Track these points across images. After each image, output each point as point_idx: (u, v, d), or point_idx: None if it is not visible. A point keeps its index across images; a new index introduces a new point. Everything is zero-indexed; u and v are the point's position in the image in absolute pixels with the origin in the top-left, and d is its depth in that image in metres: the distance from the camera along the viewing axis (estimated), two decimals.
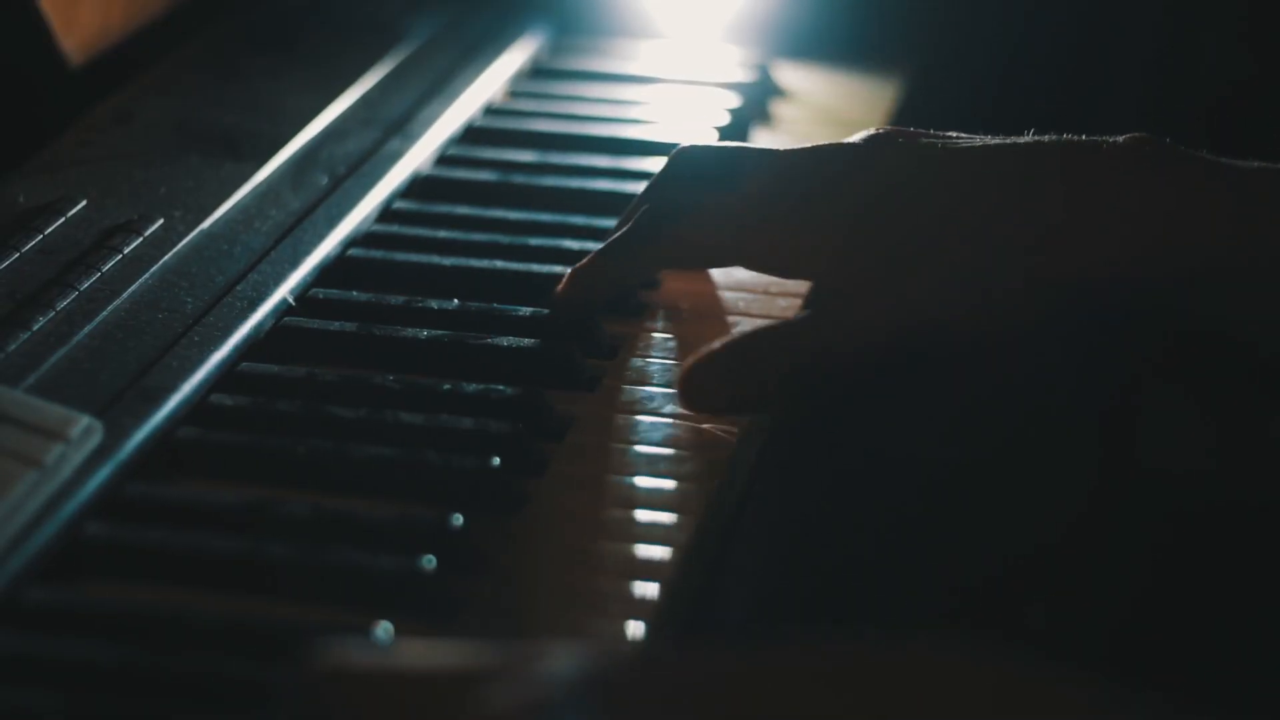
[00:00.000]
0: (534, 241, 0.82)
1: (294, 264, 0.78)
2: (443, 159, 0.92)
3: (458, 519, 0.63)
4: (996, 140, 0.70)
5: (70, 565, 0.61)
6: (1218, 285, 0.66)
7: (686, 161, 0.76)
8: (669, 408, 0.72)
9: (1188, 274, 0.66)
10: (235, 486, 0.65)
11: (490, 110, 0.98)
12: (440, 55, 1.00)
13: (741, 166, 0.74)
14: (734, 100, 0.99)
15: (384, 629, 0.57)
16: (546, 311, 0.76)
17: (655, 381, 0.74)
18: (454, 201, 0.87)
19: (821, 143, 0.74)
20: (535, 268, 0.80)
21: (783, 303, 0.79)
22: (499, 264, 0.80)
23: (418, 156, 0.90)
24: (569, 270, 0.76)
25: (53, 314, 0.71)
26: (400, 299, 0.77)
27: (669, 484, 0.67)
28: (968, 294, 0.67)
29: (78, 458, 0.63)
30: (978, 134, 0.73)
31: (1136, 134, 0.69)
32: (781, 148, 0.74)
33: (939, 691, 0.46)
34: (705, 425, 0.71)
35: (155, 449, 0.66)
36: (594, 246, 0.82)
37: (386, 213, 0.86)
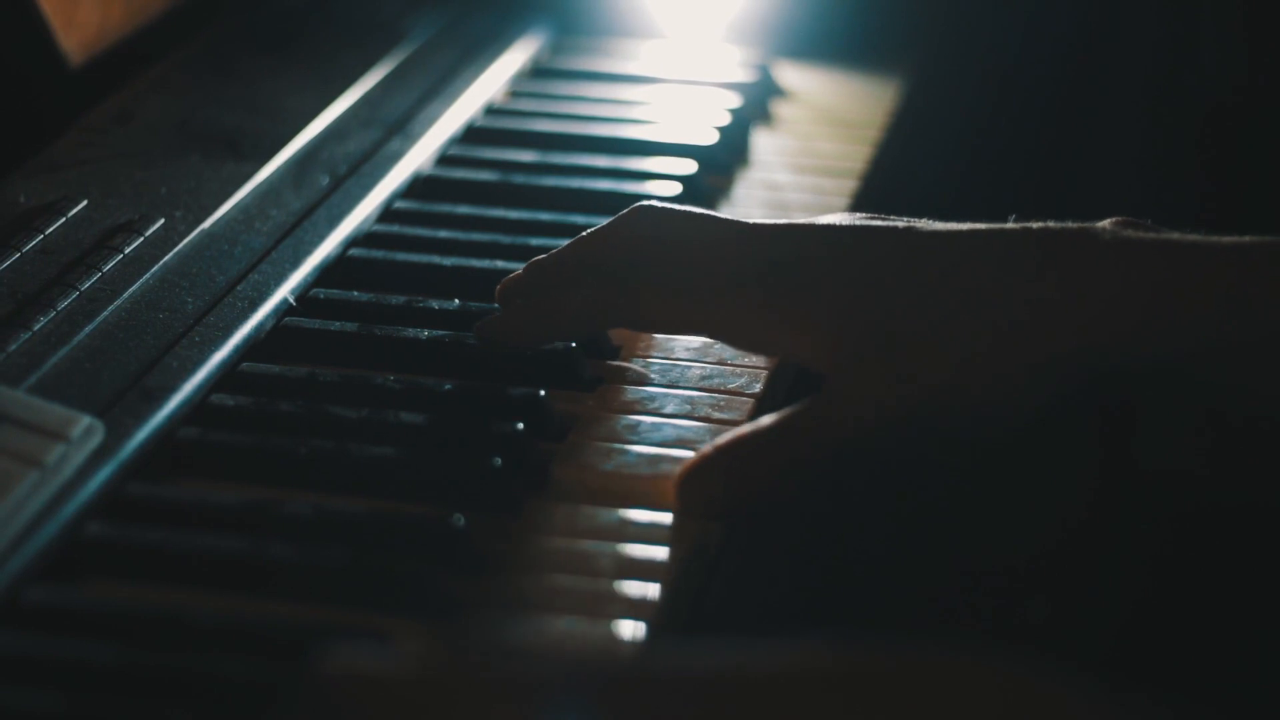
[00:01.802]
0: (534, 241, 0.82)
1: (295, 264, 0.78)
2: (443, 159, 0.92)
3: (458, 519, 0.63)
4: (979, 226, 0.68)
5: (71, 565, 0.61)
6: (1212, 361, 0.65)
7: (645, 221, 0.71)
8: (669, 408, 0.72)
9: (1178, 352, 0.65)
10: (236, 486, 0.65)
11: (491, 110, 0.98)
12: (441, 55, 1.01)
13: (703, 235, 0.70)
14: (734, 100, 0.99)
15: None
16: None
17: (655, 382, 0.74)
18: (455, 201, 0.87)
19: (794, 220, 0.71)
20: None
21: None
22: (500, 264, 0.80)
23: (418, 156, 0.90)
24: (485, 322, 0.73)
25: (54, 314, 0.71)
26: (401, 299, 0.77)
27: (668, 484, 0.67)
28: (964, 379, 0.65)
29: (79, 458, 0.63)
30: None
31: (1119, 217, 0.68)
32: (747, 220, 0.71)
33: (943, 698, 0.46)
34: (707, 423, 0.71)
35: (156, 449, 0.66)
36: None
37: (387, 212, 0.86)
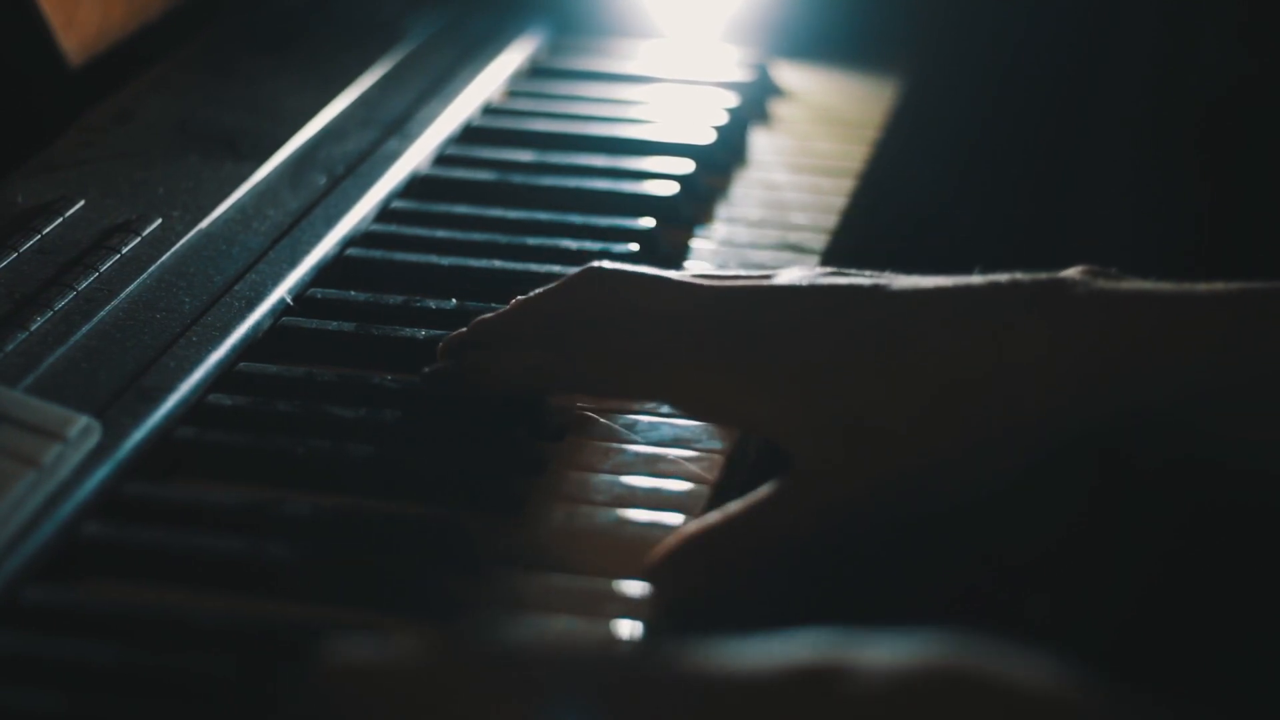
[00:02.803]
0: (532, 241, 0.82)
1: (292, 264, 0.78)
2: (441, 159, 0.92)
3: (457, 519, 0.63)
4: (946, 283, 0.65)
5: (68, 565, 0.61)
6: (1192, 410, 0.64)
7: (595, 286, 0.69)
8: (667, 407, 0.72)
9: (1159, 403, 0.63)
10: (234, 486, 0.65)
11: (489, 110, 0.98)
12: (439, 55, 1.01)
13: (657, 300, 0.67)
14: (732, 100, 0.99)
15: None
16: None
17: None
18: (452, 201, 0.87)
19: (741, 278, 0.67)
20: (533, 267, 0.80)
21: None
22: (497, 263, 0.80)
23: (416, 156, 0.90)
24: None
25: (51, 314, 0.71)
26: (399, 299, 0.77)
27: (668, 484, 0.67)
28: (938, 453, 0.63)
29: (76, 458, 0.63)
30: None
31: (1084, 266, 0.65)
32: (704, 280, 0.68)
33: (944, 703, 0.46)
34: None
35: (153, 449, 0.66)
36: (591, 245, 0.82)
37: (385, 212, 0.86)
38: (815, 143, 0.99)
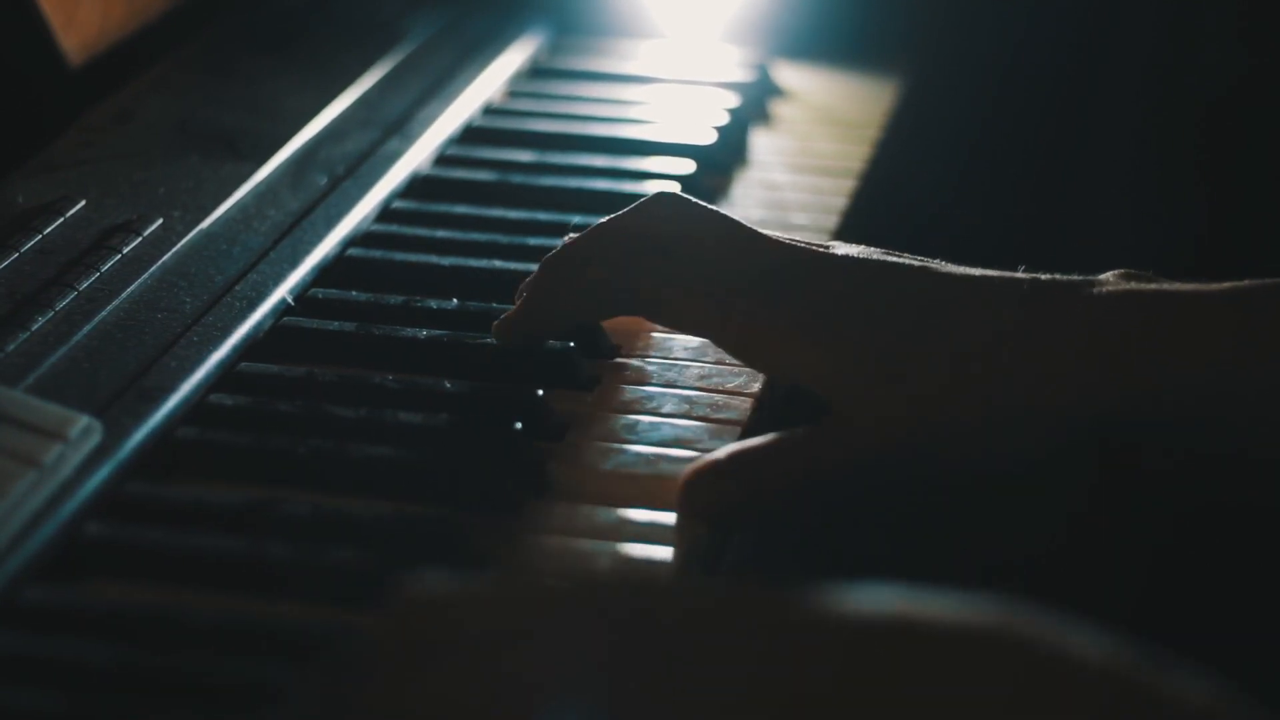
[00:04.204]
0: (533, 241, 0.82)
1: (293, 264, 0.78)
2: (441, 159, 0.92)
3: (456, 519, 0.63)
4: (990, 273, 0.69)
5: (70, 565, 0.61)
6: (1215, 408, 0.66)
7: (665, 210, 0.71)
8: (667, 407, 0.72)
9: (1182, 401, 0.66)
10: (234, 486, 0.65)
11: (489, 110, 0.98)
12: (439, 55, 1.01)
13: (723, 235, 0.70)
14: (733, 100, 0.99)
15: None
16: None
17: (654, 381, 0.74)
18: (453, 201, 0.87)
19: (810, 243, 0.70)
20: (533, 267, 0.79)
21: None
22: (498, 263, 0.80)
23: (416, 156, 0.90)
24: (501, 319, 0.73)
25: (52, 314, 0.71)
26: (399, 299, 0.77)
27: (668, 484, 0.67)
28: (967, 420, 0.66)
29: (77, 457, 0.63)
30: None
31: (1122, 270, 0.68)
32: (763, 231, 0.71)
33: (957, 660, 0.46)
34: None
35: (154, 449, 0.66)
36: None
37: (385, 212, 0.86)
38: (816, 143, 0.99)
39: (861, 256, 0.70)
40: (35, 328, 0.70)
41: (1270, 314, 0.66)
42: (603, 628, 0.48)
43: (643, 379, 0.74)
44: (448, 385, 0.71)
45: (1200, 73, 1.28)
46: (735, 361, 0.75)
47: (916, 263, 0.69)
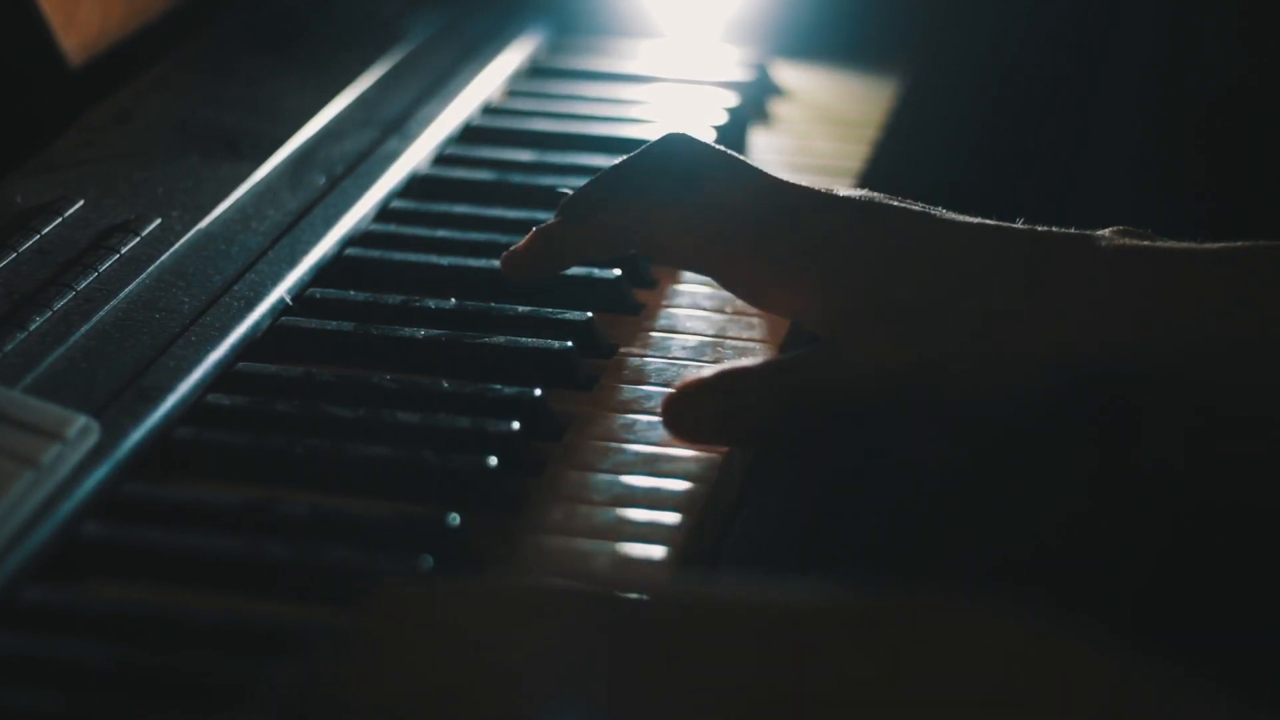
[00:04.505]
0: None
1: (291, 264, 0.78)
2: (441, 158, 0.92)
3: (455, 519, 0.63)
4: (989, 222, 0.70)
5: (68, 565, 0.61)
6: (1205, 364, 0.67)
7: (676, 148, 0.73)
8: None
9: (1170, 355, 0.67)
10: (233, 486, 0.65)
11: (488, 109, 0.98)
12: (438, 55, 1.01)
13: (730, 174, 0.72)
14: (732, 99, 0.99)
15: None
16: (544, 310, 0.77)
17: (653, 381, 0.74)
18: (452, 201, 0.87)
19: (818, 187, 0.72)
20: None
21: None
22: (497, 264, 0.80)
23: (415, 156, 0.90)
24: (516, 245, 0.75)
25: (50, 314, 0.71)
26: (398, 298, 0.77)
27: (667, 483, 0.67)
28: (956, 360, 0.67)
29: (75, 457, 0.63)
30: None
31: (1119, 226, 0.69)
32: (766, 172, 0.72)
33: (952, 639, 0.46)
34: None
35: (152, 449, 0.66)
36: None
37: (384, 212, 0.86)
38: (815, 142, 0.99)
39: (863, 198, 0.71)
40: (33, 327, 0.70)
41: (1263, 273, 0.67)
42: (600, 628, 0.48)
43: (642, 379, 0.74)
44: (446, 385, 0.71)
45: (1200, 73, 1.28)
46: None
47: (918, 207, 0.71)
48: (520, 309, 0.77)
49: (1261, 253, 0.67)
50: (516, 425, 0.68)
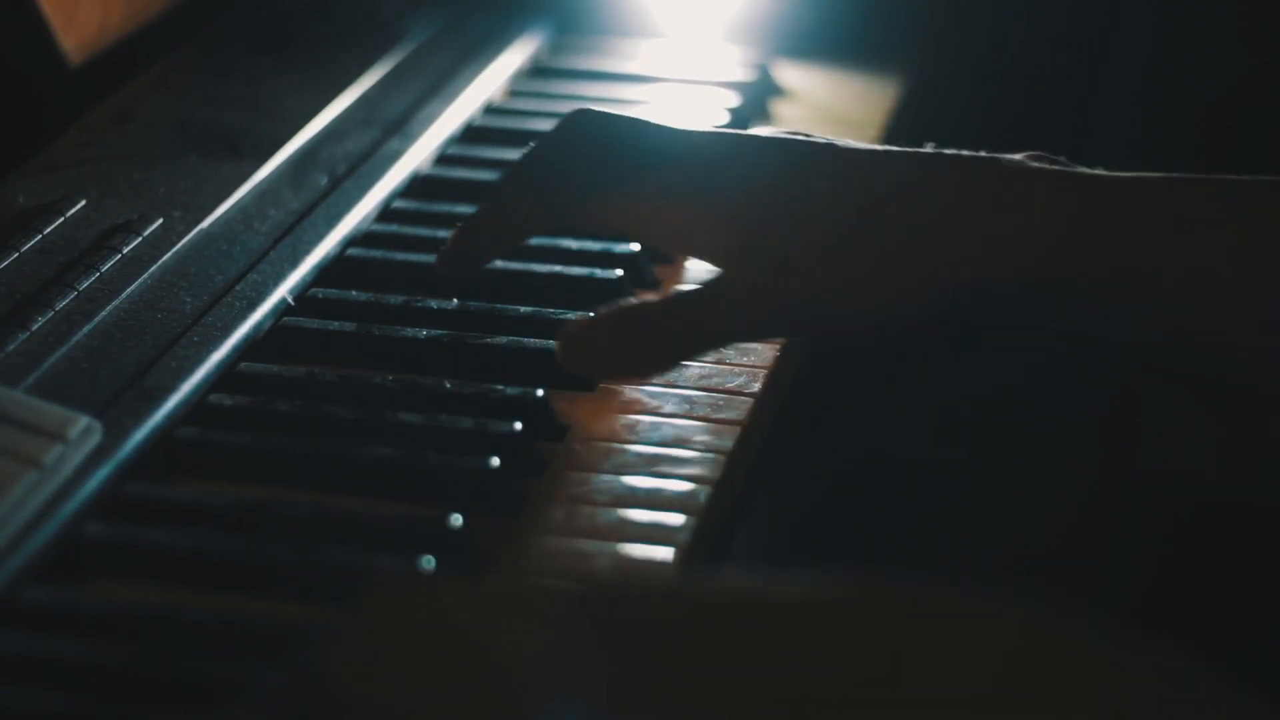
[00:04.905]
0: (533, 240, 0.82)
1: (293, 264, 0.78)
2: (442, 158, 0.92)
3: (457, 519, 0.63)
4: (894, 149, 0.72)
5: (70, 565, 0.61)
6: (1110, 289, 0.68)
7: (582, 123, 0.75)
8: (668, 407, 0.72)
9: (1074, 278, 0.68)
10: (235, 486, 0.65)
11: (490, 109, 0.98)
12: (440, 54, 1.01)
13: (634, 135, 0.74)
14: (734, 99, 0.99)
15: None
16: (546, 311, 0.77)
17: (654, 381, 0.74)
18: (454, 201, 0.87)
19: (724, 128, 0.75)
20: (535, 267, 0.80)
21: None
22: (498, 263, 0.80)
23: (417, 156, 0.90)
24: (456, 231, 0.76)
25: (52, 314, 0.71)
26: (399, 299, 0.77)
27: (668, 484, 0.67)
28: (855, 300, 0.69)
29: (77, 458, 0.63)
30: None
31: (1032, 152, 0.71)
32: (671, 124, 0.74)
33: (957, 631, 0.46)
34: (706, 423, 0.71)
35: (154, 449, 0.66)
36: (593, 245, 0.82)
37: (386, 212, 0.86)
38: None
39: (768, 135, 0.73)
40: (35, 328, 0.70)
41: (1176, 202, 0.68)
42: (601, 628, 0.48)
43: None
44: (448, 385, 0.71)
45: (1200, 73, 1.28)
46: (736, 361, 0.75)
47: (822, 140, 0.73)
48: (522, 309, 0.77)
49: (1173, 184, 0.68)
50: (519, 425, 0.68)
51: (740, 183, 0.71)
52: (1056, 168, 0.70)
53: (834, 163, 0.71)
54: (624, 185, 0.73)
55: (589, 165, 0.74)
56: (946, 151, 0.71)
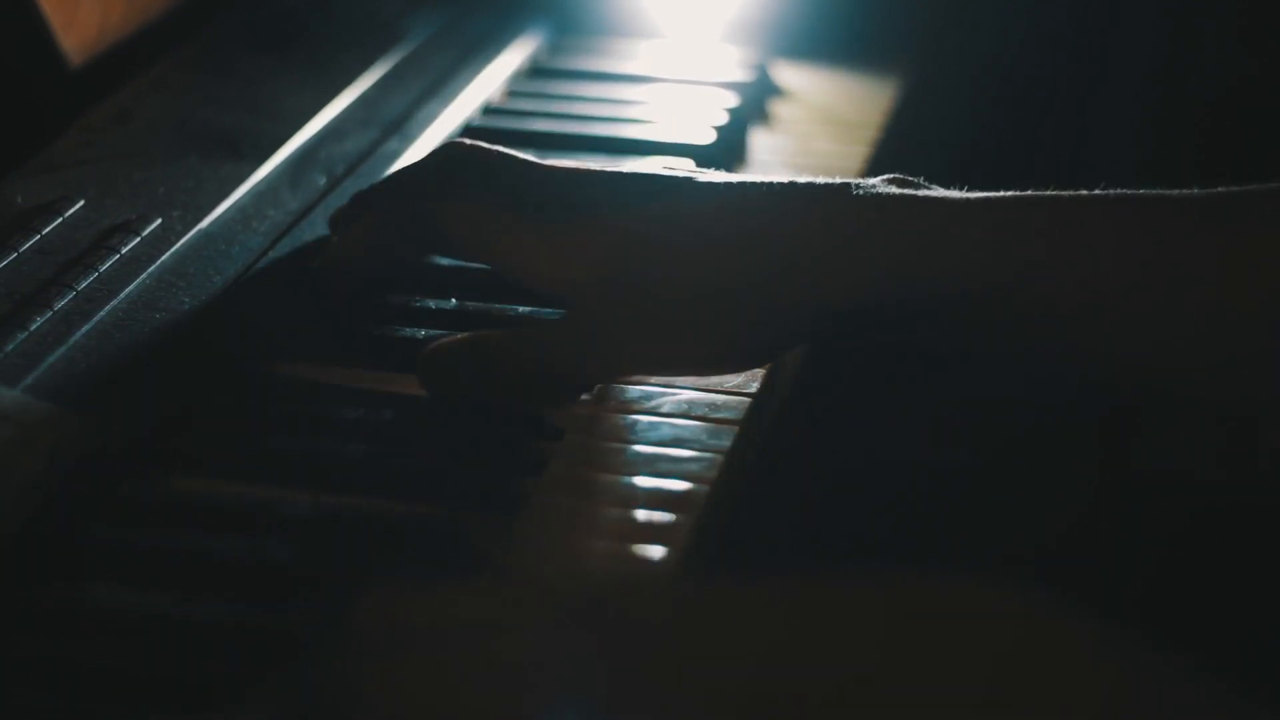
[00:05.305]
0: None
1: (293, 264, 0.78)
2: None
3: (456, 519, 0.63)
4: (747, 179, 0.72)
5: (70, 565, 0.61)
6: (963, 308, 0.68)
7: (453, 155, 0.76)
8: (666, 407, 0.72)
9: (939, 300, 0.67)
10: (235, 486, 0.65)
11: (489, 110, 0.98)
12: (439, 55, 1.01)
13: (501, 170, 0.75)
14: (732, 100, 0.99)
15: None
16: (545, 311, 0.77)
17: (653, 381, 0.74)
18: None
19: (588, 165, 0.75)
20: None
21: None
22: None
23: (416, 156, 0.90)
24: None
25: (51, 314, 0.71)
26: (399, 298, 0.77)
27: (668, 483, 0.67)
28: (695, 331, 0.69)
29: (77, 458, 0.63)
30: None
31: (890, 175, 0.71)
32: (549, 163, 0.75)
33: (958, 622, 0.46)
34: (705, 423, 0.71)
35: (154, 449, 0.66)
36: None
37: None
38: (815, 143, 1.00)
39: (629, 171, 0.74)
40: (34, 327, 0.70)
41: (1017, 222, 0.68)
42: (601, 627, 0.48)
43: (642, 379, 0.74)
44: None
45: (1200, 73, 1.28)
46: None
47: (681, 174, 0.73)
48: (521, 309, 0.77)
49: (1022, 203, 0.68)
50: (518, 425, 0.68)
51: (594, 216, 0.71)
52: (907, 192, 0.69)
53: (690, 196, 0.71)
54: (482, 218, 0.73)
55: (448, 190, 0.74)
56: (800, 180, 0.71)
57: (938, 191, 0.70)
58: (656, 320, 0.69)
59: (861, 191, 0.69)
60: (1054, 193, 0.68)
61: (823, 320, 0.68)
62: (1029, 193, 0.69)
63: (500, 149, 0.76)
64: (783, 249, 0.68)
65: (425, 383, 0.70)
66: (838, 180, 0.70)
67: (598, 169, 0.74)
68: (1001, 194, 0.69)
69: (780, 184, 0.71)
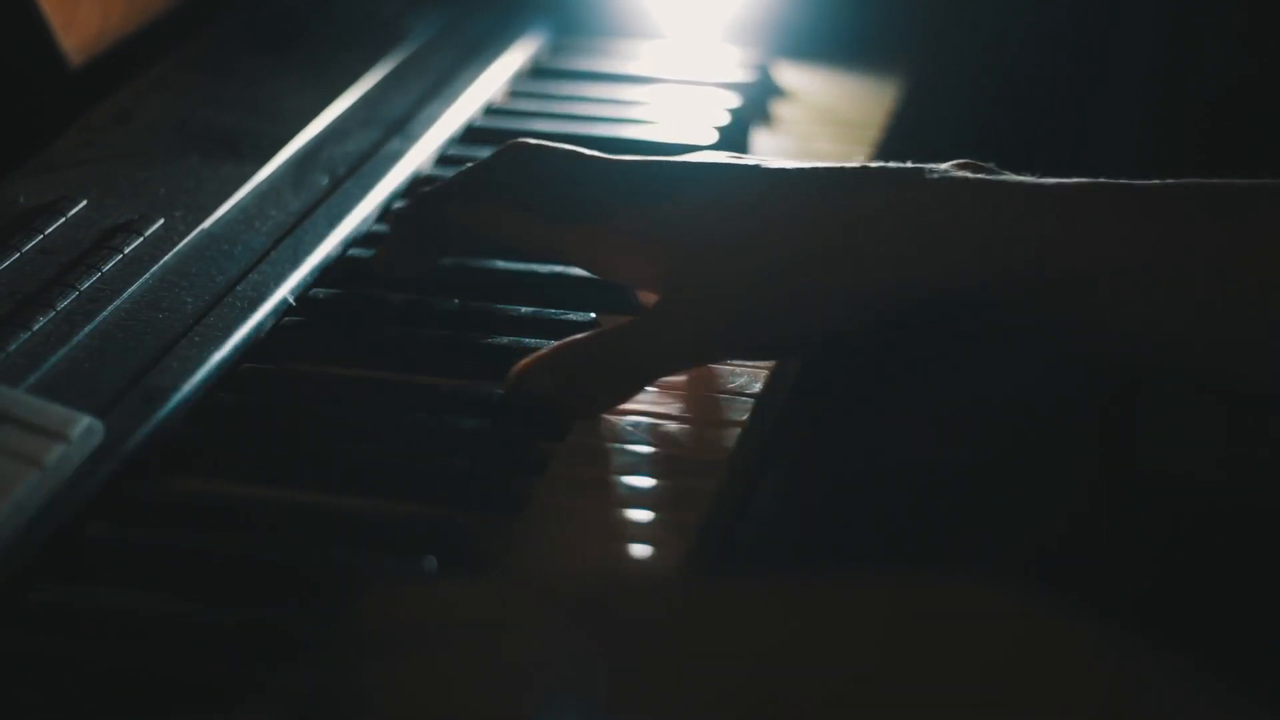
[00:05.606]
0: None
1: (294, 264, 0.78)
2: (443, 159, 0.92)
3: (458, 519, 0.63)
4: (819, 166, 0.72)
5: (71, 565, 0.61)
6: (1031, 297, 0.68)
7: (520, 153, 0.76)
8: (668, 408, 0.72)
9: (1011, 289, 0.68)
10: (236, 486, 0.65)
11: (490, 110, 0.98)
12: (440, 55, 1.01)
13: (569, 167, 0.75)
14: (734, 100, 0.99)
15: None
16: (548, 311, 0.77)
17: (654, 381, 0.74)
18: None
19: (657, 157, 0.75)
20: (536, 267, 0.80)
21: None
22: (499, 264, 0.80)
23: (418, 157, 0.90)
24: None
25: (53, 314, 0.71)
26: (401, 299, 0.77)
27: (670, 484, 0.67)
28: (778, 317, 0.69)
29: (79, 458, 0.63)
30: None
31: (962, 160, 0.71)
32: (606, 156, 0.75)
33: (958, 620, 0.47)
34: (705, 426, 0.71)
35: (156, 449, 0.66)
36: None
37: (387, 213, 0.86)
38: (817, 143, 1.00)
39: (700, 162, 0.74)
40: (37, 328, 0.70)
41: (1094, 210, 0.68)
42: (601, 627, 0.48)
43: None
44: (450, 385, 0.71)
45: (1200, 73, 1.28)
46: (735, 361, 0.75)
47: (751, 161, 0.73)
48: (524, 310, 0.77)
49: (1098, 190, 0.68)
50: (520, 424, 0.68)
51: (673, 207, 0.72)
52: (981, 177, 0.70)
53: (762, 181, 0.71)
54: (553, 213, 0.73)
55: (519, 194, 0.74)
56: (872, 165, 0.71)
57: (1011, 177, 0.70)
58: (737, 307, 0.69)
59: (936, 176, 0.70)
60: (1106, 180, 0.69)
61: (901, 308, 0.68)
62: (1087, 180, 0.69)
63: (564, 146, 0.76)
64: (869, 234, 0.69)
65: (513, 395, 0.70)
66: (911, 165, 0.71)
67: (668, 160, 0.75)
68: (1063, 180, 0.69)
69: (853, 168, 0.71)
